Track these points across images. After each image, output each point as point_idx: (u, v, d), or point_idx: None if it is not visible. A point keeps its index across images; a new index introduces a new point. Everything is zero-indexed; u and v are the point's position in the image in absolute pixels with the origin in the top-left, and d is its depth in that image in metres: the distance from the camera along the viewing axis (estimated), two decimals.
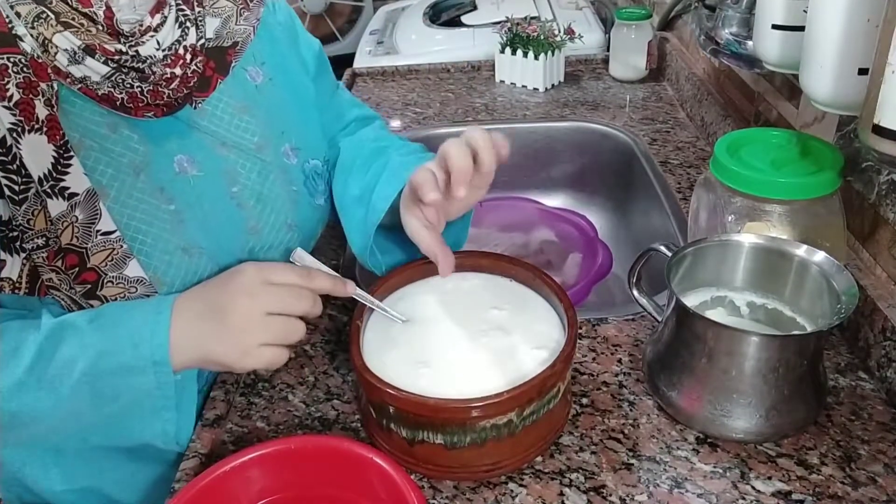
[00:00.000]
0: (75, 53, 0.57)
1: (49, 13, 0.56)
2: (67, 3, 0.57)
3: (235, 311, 0.61)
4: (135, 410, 0.62)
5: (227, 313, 0.61)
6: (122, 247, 0.62)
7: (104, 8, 0.58)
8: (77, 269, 0.61)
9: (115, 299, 0.63)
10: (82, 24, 0.57)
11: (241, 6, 0.71)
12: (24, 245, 0.58)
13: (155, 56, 0.60)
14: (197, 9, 0.65)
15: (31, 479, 0.73)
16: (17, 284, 0.60)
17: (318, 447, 0.59)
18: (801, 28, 0.67)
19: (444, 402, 0.58)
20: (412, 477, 0.56)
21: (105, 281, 0.62)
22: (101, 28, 0.58)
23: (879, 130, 0.53)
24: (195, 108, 0.67)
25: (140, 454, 0.74)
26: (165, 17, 0.62)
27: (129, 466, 0.74)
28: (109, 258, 0.62)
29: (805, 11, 0.66)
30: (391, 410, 0.60)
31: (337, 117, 0.88)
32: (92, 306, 0.62)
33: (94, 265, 0.61)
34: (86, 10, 0.57)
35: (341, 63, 2.05)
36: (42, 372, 0.58)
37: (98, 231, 0.61)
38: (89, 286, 0.62)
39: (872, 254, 0.76)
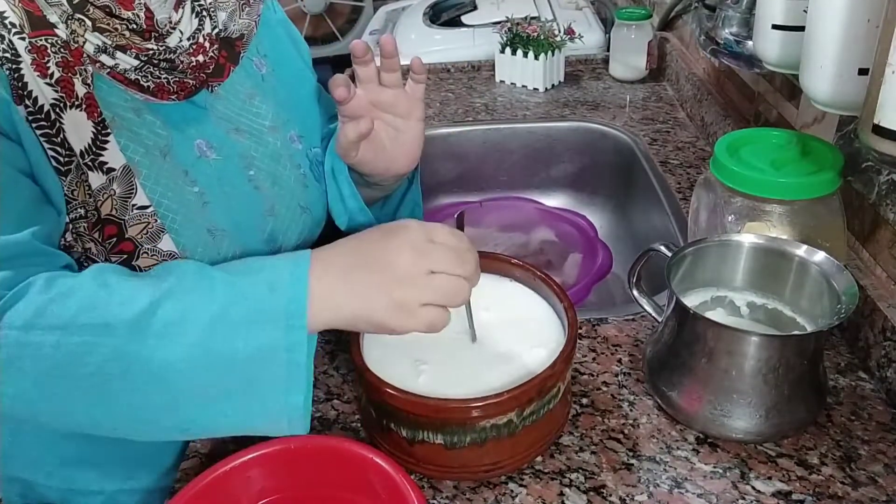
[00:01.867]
0: (106, 47, 0.59)
1: (85, 19, 0.58)
2: (104, 11, 0.58)
3: (400, 265, 0.56)
4: (260, 373, 0.54)
5: (390, 267, 0.56)
6: (156, 221, 0.63)
7: (144, 9, 0.60)
8: (116, 238, 0.62)
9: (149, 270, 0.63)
10: (116, 29, 0.59)
11: (242, 1, 0.73)
12: (69, 214, 0.60)
13: (181, 46, 0.63)
14: (208, 0, 0.68)
15: (32, 478, 0.73)
16: (68, 245, 0.61)
17: (318, 447, 0.59)
18: (801, 28, 0.67)
19: (444, 402, 0.58)
20: (412, 477, 0.56)
21: (141, 252, 0.63)
22: (136, 28, 0.60)
23: (879, 130, 0.53)
24: (212, 91, 0.70)
25: (140, 454, 0.74)
26: (183, 9, 0.64)
27: (129, 466, 0.74)
28: (145, 231, 0.63)
29: (805, 11, 0.66)
30: (391, 410, 0.60)
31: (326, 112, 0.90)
32: None
33: (131, 236, 0.62)
34: (127, 15, 0.59)
35: (341, 63, 2.05)
36: (166, 310, 0.53)
37: (134, 205, 0.62)
38: (126, 256, 0.63)
39: (872, 254, 0.76)
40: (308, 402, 0.56)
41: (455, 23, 1.86)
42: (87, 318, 0.52)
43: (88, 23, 0.58)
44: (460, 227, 0.66)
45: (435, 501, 0.61)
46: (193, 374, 0.53)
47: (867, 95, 0.54)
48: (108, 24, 0.59)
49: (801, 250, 0.66)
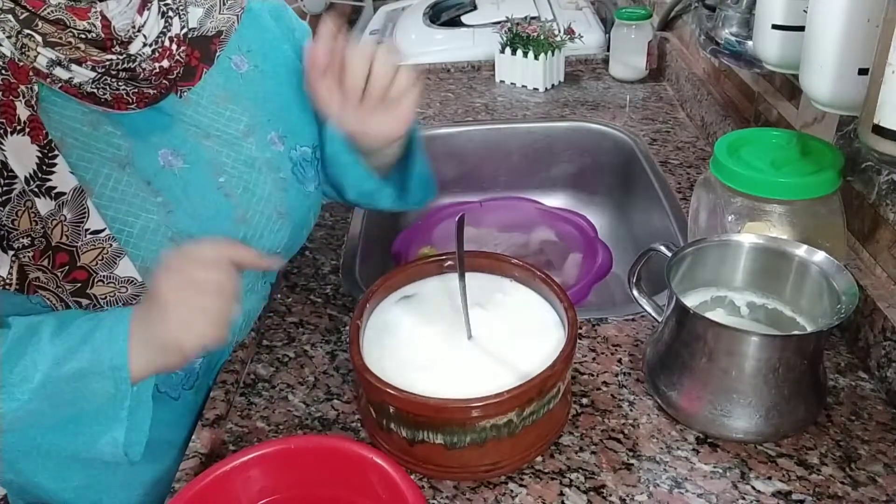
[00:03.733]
0: (60, 61, 0.57)
1: (34, 35, 0.56)
2: (57, 24, 0.56)
3: (166, 289, 0.60)
4: (89, 416, 0.62)
5: (160, 295, 0.60)
6: (111, 245, 0.62)
7: (100, 18, 0.57)
8: (67, 267, 0.61)
9: (105, 298, 0.63)
10: (69, 42, 0.57)
11: None
12: (11, 244, 0.58)
13: (143, 53, 0.60)
14: None
15: (32, 477, 0.73)
16: (7, 282, 0.60)
17: (318, 447, 0.59)
18: (801, 28, 0.67)
19: (444, 402, 0.58)
20: (412, 477, 0.56)
21: (96, 280, 0.62)
22: (93, 39, 0.57)
23: (879, 130, 0.53)
24: (181, 97, 0.67)
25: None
26: (149, 11, 0.62)
27: (129, 466, 0.74)
28: (100, 257, 0.62)
29: (805, 11, 0.66)
30: (391, 410, 0.60)
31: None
32: (80, 304, 0.62)
33: (84, 264, 0.61)
34: (82, 25, 0.56)
35: None
36: (5, 378, 0.58)
37: (87, 230, 0.61)
38: (79, 284, 0.61)
39: (872, 254, 0.76)
40: (139, 439, 0.63)
41: (455, 23, 1.86)
42: None
43: (39, 38, 0.56)
44: (460, 230, 0.66)
45: (435, 501, 0.61)
46: (35, 416, 0.60)
47: (867, 95, 0.54)
48: (61, 38, 0.56)
49: (801, 250, 0.66)
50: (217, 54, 0.70)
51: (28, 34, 0.56)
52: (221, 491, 0.56)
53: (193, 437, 0.69)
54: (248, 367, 0.78)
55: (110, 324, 0.60)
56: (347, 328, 0.82)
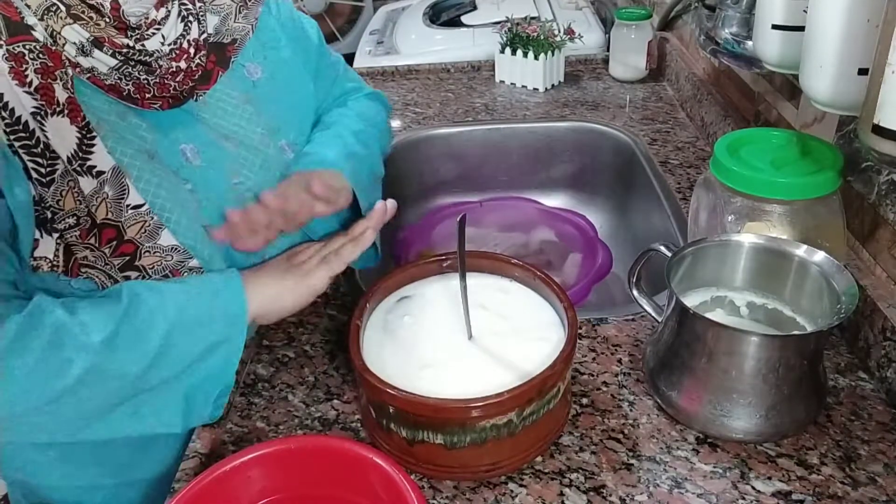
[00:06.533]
0: (83, 46, 0.58)
1: (59, 5, 0.57)
2: None
3: (292, 255, 0.73)
4: (201, 368, 0.63)
5: (287, 260, 0.73)
6: (153, 219, 0.63)
7: (109, 0, 0.58)
8: (115, 242, 0.62)
9: (153, 268, 0.64)
10: (91, 18, 0.58)
11: (239, 4, 0.72)
12: (55, 226, 0.59)
13: (161, 50, 0.62)
14: (198, 4, 0.66)
15: (33, 477, 0.73)
16: (54, 263, 0.61)
17: (318, 447, 0.59)
18: (801, 28, 0.67)
19: (444, 402, 0.58)
20: (412, 477, 0.56)
21: (142, 251, 0.63)
22: (108, 21, 0.59)
23: (879, 130, 0.53)
24: (196, 100, 0.68)
25: (140, 453, 0.74)
26: (169, 12, 0.63)
27: (129, 466, 0.74)
28: (143, 230, 0.63)
29: (805, 11, 0.66)
30: (391, 410, 0.60)
31: (337, 91, 0.91)
32: (129, 279, 0.64)
33: (130, 237, 0.62)
34: (92, 2, 0.58)
35: None
36: (130, 325, 0.59)
37: (128, 206, 0.62)
38: (128, 258, 0.63)
39: (872, 254, 0.76)
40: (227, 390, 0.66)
41: (455, 23, 1.86)
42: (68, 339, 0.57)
43: (63, 9, 0.57)
44: (462, 230, 0.66)
45: (435, 501, 0.62)
46: (154, 373, 0.61)
47: (867, 95, 0.54)
48: (83, 12, 0.57)
49: (801, 250, 0.66)
50: (232, 60, 0.71)
51: (55, 6, 0.57)
52: (221, 491, 0.56)
53: (193, 437, 0.69)
54: (248, 367, 0.78)
55: (223, 279, 0.66)
56: (347, 328, 0.82)
